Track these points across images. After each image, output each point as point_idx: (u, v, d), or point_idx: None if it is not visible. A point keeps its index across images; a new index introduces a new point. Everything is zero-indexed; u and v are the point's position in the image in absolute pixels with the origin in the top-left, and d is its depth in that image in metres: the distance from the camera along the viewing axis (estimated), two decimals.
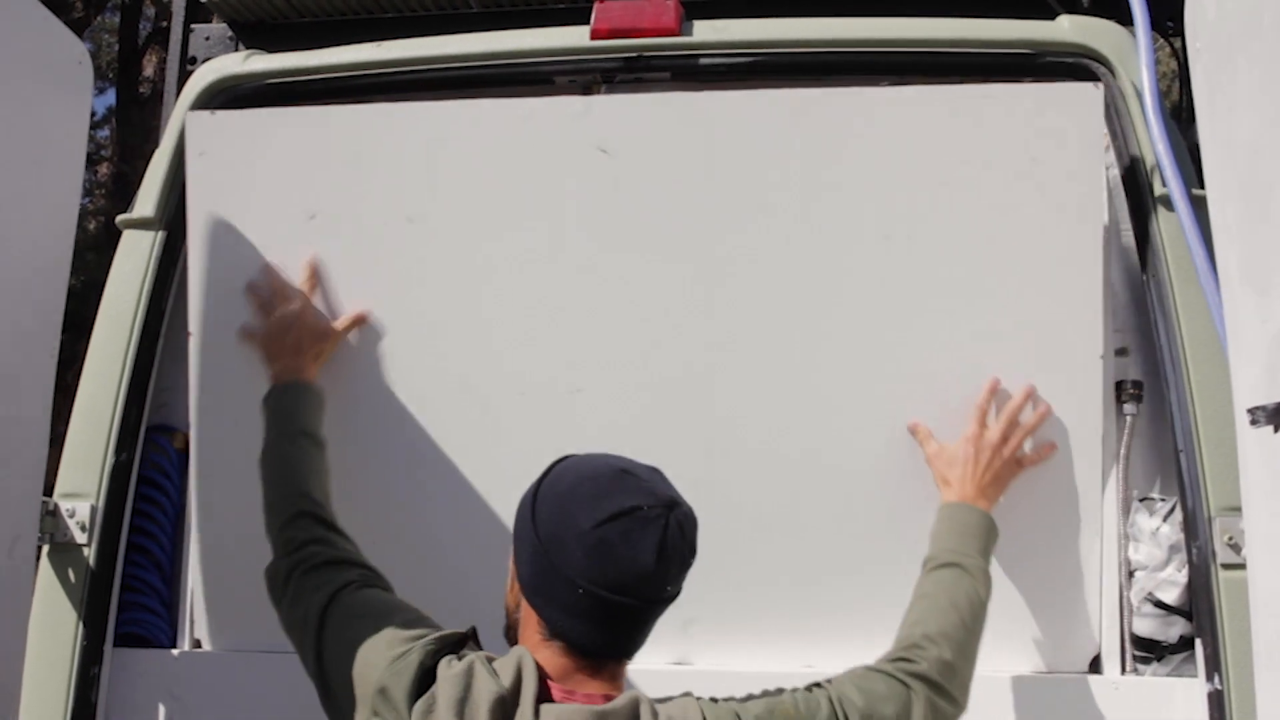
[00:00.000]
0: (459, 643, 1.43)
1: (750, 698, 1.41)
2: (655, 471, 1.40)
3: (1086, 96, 1.79)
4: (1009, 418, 1.78)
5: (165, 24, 9.40)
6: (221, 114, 2.01)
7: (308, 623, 1.52)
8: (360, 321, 1.93)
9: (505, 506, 1.89)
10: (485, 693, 1.29)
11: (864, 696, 1.42)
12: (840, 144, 1.84)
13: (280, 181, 1.96)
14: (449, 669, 1.34)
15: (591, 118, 1.90)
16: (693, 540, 1.37)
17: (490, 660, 1.36)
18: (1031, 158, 1.79)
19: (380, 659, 1.40)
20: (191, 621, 2.00)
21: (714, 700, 1.40)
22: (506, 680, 1.31)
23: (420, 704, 1.32)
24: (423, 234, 1.93)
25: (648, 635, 1.40)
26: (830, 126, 1.84)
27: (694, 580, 1.83)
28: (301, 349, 1.86)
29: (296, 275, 1.94)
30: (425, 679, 1.36)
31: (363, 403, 1.94)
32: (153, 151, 2.15)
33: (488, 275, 1.91)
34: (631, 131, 1.89)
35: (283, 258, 1.95)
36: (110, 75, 11.91)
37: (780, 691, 1.42)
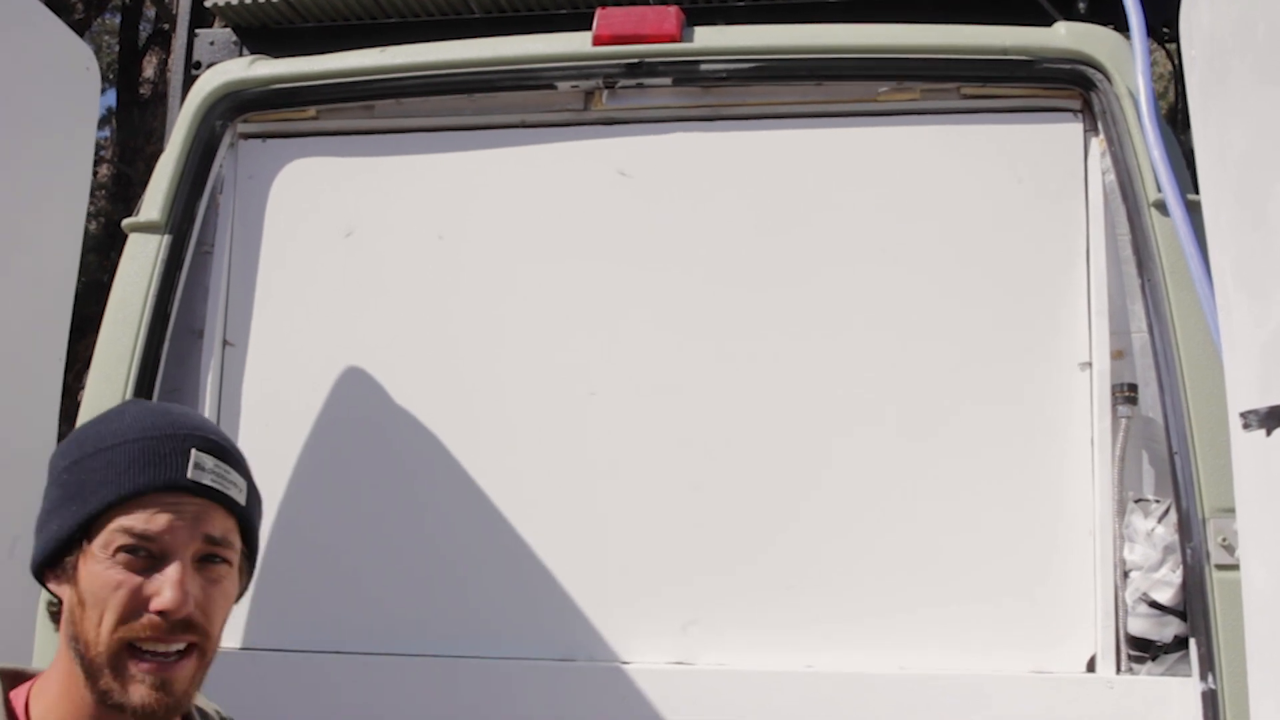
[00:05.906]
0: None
1: None
2: None
3: (1067, 130, 1.98)
4: None
5: (165, 26, 9.41)
6: (271, 142, 2.17)
7: None
8: None
9: (523, 502, 1.98)
10: None
11: None
12: (843, 172, 2.01)
13: (320, 201, 2.13)
14: None
15: (612, 144, 2.05)
16: None
17: None
18: (1018, 179, 1.96)
19: None
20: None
21: None
22: None
23: None
24: (452, 249, 2.07)
25: None
26: (836, 157, 2.01)
27: (694, 580, 1.86)
28: None
29: (331, 285, 2.08)
30: None
31: (391, 407, 2.04)
32: (154, 153, 2.18)
33: (511, 286, 2.04)
34: (649, 157, 2.04)
35: (320, 269, 2.10)
36: (110, 76, 11.90)
37: None
